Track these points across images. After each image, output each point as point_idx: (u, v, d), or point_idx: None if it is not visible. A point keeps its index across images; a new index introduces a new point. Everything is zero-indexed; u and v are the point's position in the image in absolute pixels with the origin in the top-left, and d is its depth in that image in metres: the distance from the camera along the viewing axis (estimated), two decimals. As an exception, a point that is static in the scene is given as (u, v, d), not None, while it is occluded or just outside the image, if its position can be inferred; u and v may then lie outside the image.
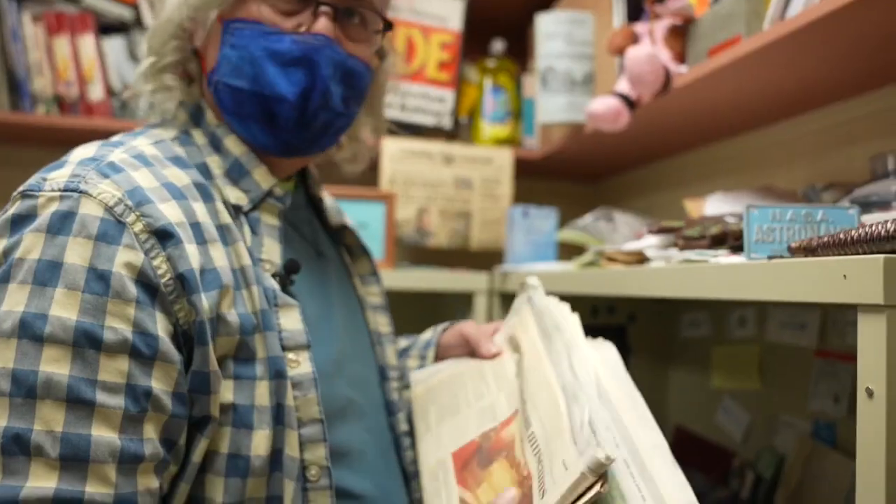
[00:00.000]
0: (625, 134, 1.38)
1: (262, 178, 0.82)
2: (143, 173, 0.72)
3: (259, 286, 0.75)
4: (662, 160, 1.76)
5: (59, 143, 1.75)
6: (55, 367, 0.62)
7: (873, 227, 0.62)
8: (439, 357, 1.04)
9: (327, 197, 1.02)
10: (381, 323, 1.00)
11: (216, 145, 0.83)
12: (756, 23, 1.04)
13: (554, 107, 1.51)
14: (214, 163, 0.81)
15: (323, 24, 0.80)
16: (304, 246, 0.89)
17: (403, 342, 1.11)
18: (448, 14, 1.87)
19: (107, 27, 1.76)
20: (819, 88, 1.17)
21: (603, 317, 1.58)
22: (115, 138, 0.80)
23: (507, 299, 1.54)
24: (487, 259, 1.82)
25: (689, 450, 1.56)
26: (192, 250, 0.70)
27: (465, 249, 1.77)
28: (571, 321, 0.89)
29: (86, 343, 0.63)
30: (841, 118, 1.25)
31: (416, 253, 1.87)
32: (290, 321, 0.76)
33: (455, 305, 1.70)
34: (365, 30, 0.85)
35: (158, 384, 0.66)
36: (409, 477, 0.93)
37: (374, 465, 0.85)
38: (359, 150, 0.99)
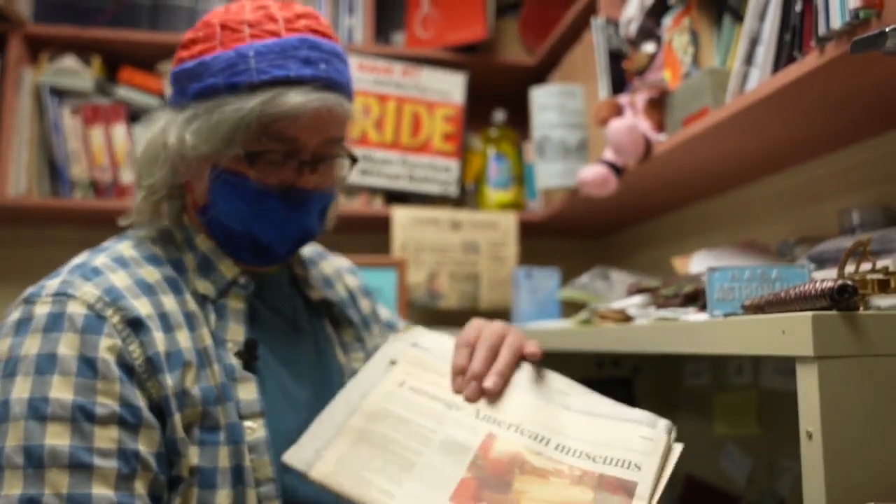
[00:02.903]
0: (616, 197, 1.47)
1: (227, 269, 0.93)
2: (120, 275, 0.86)
3: (220, 364, 0.86)
4: (656, 218, 1.85)
5: (95, 223, 1.89)
6: (58, 439, 0.75)
7: (807, 287, 0.70)
8: None
9: (322, 269, 1.12)
10: None
11: (189, 243, 0.94)
12: (721, 95, 1.13)
13: (551, 173, 1.61)
14: (188, 258, 0.93)
15: (307, 179, 0.91)
16: (279, 323, 0.98)
17: None
18: (450, 88, 2.00)
19: (136, 114, 1.91)
20: (786, 150, 1.26)
21: (608, 370, 1.65)
22: (104, 243, 0.94)
23: (514, 356, 1.61)
24: (496, 318, 1.90)
25: (699, 498, 1.60)
26: (159, 337, 0.83)
27: (475, 309, 1.85)
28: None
29: (81, 417, 0.76)
30: (812, 175, 1.33)
31: (428, 315, 1.96)
32: (247, 393, 0.87)
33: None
34: (335, 161, 0.97)
35: (144, 447, 0.79)
36: None
37: None
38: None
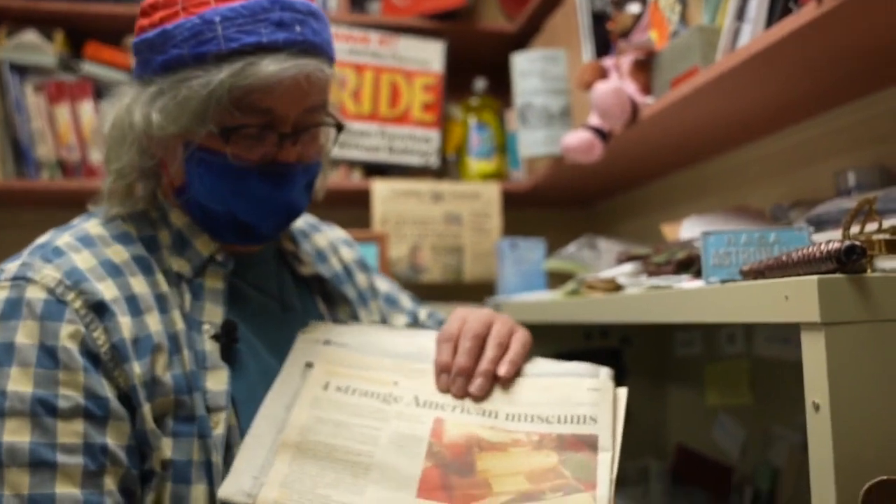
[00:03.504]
0: (602, 163, 1.42)
1: (203, 245, 0.87)
2: (84, 255, 0.80)
3: (191, 350, 0.81)
4: (644, 185, 1.81)
5: (63, 204, 1.82)
6: (16, 436, 0.70)
7: (811, 249, 0.66)
8: None
9: (314, 242, 1.06)
10: None
11: (164, 219, 0.88)
12: (711, 54, 1.09)
13: (534, 141, 1.56)
14: (163, 235, 0.87)
15: (288, 152, 0.84)
16: (265, 302, 0.92)
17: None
18: (429, 57, 1.94)
19: (104, 91, 1.83)
20: (778, 110, 1.22)
21: (597, 341, 1.61)
22: (73, 221, 0.88)
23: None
24: (481, 291, 1.86)
25: (690, 468, 1.58)
26: (125, 322, 0.77)
27: (459, 283, 1.81)
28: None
29: (42, 411, 0.71)
30: (805, 136, 1.29)
31: (411, 289, 1.90)
32: (216, 383, 0.81)
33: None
34: (318, 130, 0.90)
35: (113, 440, 0.74)
36: None
37: None
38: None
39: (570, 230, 2.01)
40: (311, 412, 0.81)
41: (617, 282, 1.02)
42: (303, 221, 1.08)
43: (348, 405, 0.81)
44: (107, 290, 0.78)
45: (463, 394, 0.82)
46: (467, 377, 0.83)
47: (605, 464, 0.74)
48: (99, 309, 0.76)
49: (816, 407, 0.63)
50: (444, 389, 0.83)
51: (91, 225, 0.85)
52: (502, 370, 0.83)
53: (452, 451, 0.77)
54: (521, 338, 0.87)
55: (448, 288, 1.89)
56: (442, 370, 0.84)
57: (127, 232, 0.85)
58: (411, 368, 0.85)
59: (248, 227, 0.87)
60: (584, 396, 0.80)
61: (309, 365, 0.86)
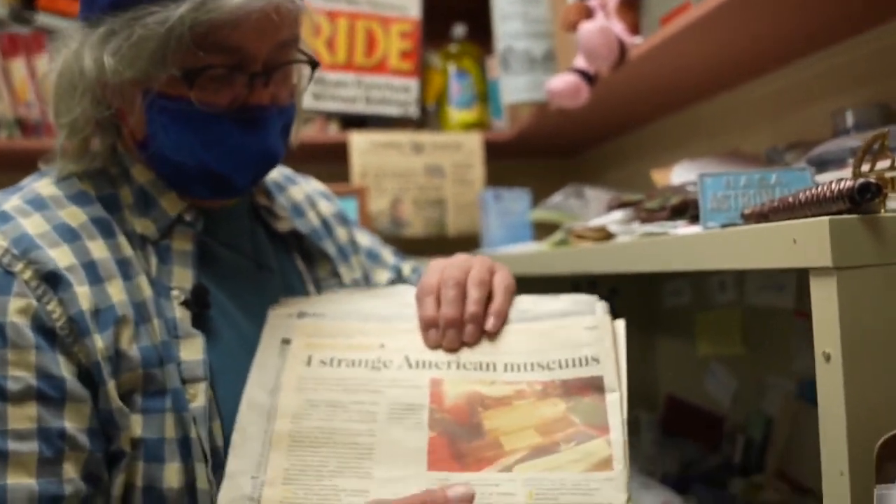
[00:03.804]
0: (589, 108, 1.36)
1: (170, 204, 0.80)
2: (34, 219, 0.73)
3: (160, 318, 0.74)
4: (632, 131, 1.75)
5: (24, 165, 1.73)
6: None
7: (820, 189, 0.61)
8: None
9: (290, 195, 0.99)
10: None
11: (126, 176, 0.81)
12: (704, -13, 1.02)
13: (516, 87, 1.50)
14: (125, 193, 0.80)
15: (260, 94, 0.77)
16: (238, 263, 0.86)
17: None
18: (405, 3, 1.86)
19: (62, 44, 1.74)
20: (774, 48, 1.16)
21: (585, 292, 1.58)
22: (23, 181, 0.80)
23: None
24: (465, 244, 1.81)
25: (681, 418, 1.56)
26: (83, 291, 0.70)
27: (443, 236, 1.76)
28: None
29: None
30: (800, 76, 1.24)
31: (393, 244, 1.84)
32: (190, 352, 0.75)
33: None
34: (291, 68, 0.82)
35: (72, 423, 0.67)
36: None
37: None
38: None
39: (554, 181, 1.96)
40: (300, 395, 0.75)
41: (608, 230, 0.98)
42: (277, 173, 1.01)
43: (337, 380, 0.75)
44: (61, 258, 0.71)
45: (456, 346, 0.78)
46: (458, 328, 0.78)
47: (615, 405, 0.72)
48: (52, 279, 0.69)
49: (827, 357, 0.59)
50: (435, 345, 0.78)
51: (42, 185, 0.78)
52: (489, 324, 0.78)
53: (456, 415, 0.73)
54: (503, 281, 0.82)
55: (431, 242, 1.84)
56: (429, 325, 0.78)
57: (84, 191, 0.78)
58: (396, 329, 0.80)
59: (222, 180, 0.79)
60: (583, 336, 0.76)
61: (286, 341, 0.79)
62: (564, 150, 2.01)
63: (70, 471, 0.66)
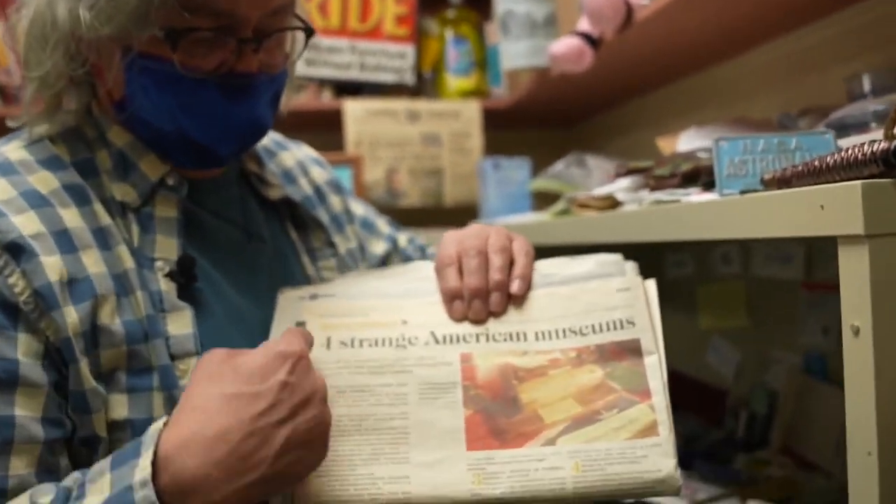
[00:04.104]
0: (592, 74, 1.32)
1: (151, 168, 0.74)
2: (0, 185, 0.67)
3: (144, 291, 0.69)
4: (635, 99, 1.71)
5: (3, 133, 1.69)
6: None
7: (850, 152, 0.57)
8: None
9: (281, 161, 0.94)
10: None
11: (103, 138, 0.75)
12: (717, -57, 0.98)
13: (517, 52, 1.46)
14: (103, 157, 0.74)
15: (249, 61, 0.71)
16: (227, 232, 0.81)
17: None
18: (401, -36, 1.80)
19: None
20: (786, 11, 1.12)
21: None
22: None
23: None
24: (462, 215, 1.77)
25: (682, 392, 1.53)
26: (51, 262, 0.64)
27: (440, 207, 1.72)
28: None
29: None
30: (813, 40, 1.19)
31: (388, 215, 1.80)
32: (179, 326, 0.70)
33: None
34: (284, 35, 0.77)
35: (23, 411, 0.61)
36: None
37: None
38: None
39: (554, 151, 1.91)
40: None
41: (615, 198, 0.94)
42: (267, 139, 0.96)
43: (360, 362, 0.71)
44: (27, 225, 0.64)
45: (483, 317, 0.74)
46: (483, 298, 0.74)
47: (654, 368, 0.69)
48: (14, 249, 0.63)
49: (856, 331, 0.55)
50: (461, 317, 0.74)
51: (11, 148, 0.72)
52: (515, 287, 0.75)
53: (491, 390, 0.70)
54: (522, 247, 0.78)
55: (428, 212, 1.79)
56: (453, 296, 0.75)
57: (56, 156, 0.72)
58: (417, 304, 0.76)
59: (203, 149, 0.74)
60: (615, 299, 0.74)
61: (300, 324, 0.75)
62: (565, 119, 1.96)
63: (18, 465, 0.60)
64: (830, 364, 1.17)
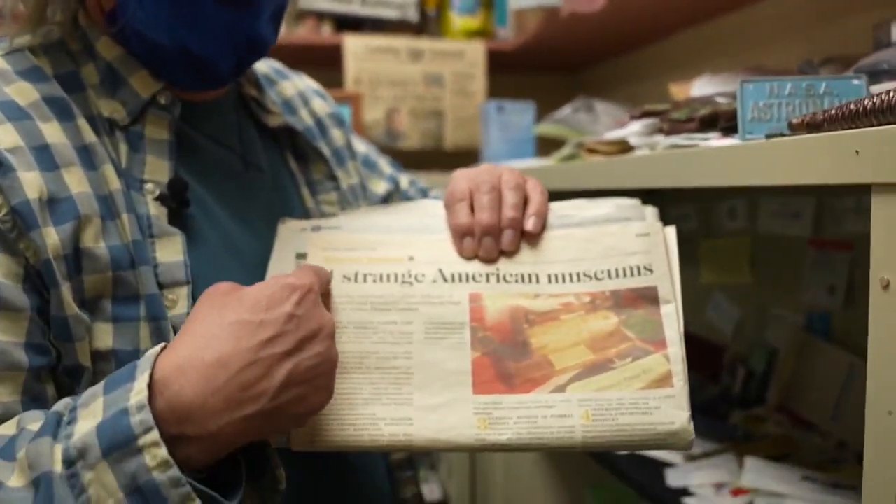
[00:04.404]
0: (603, 17, 1.27)
1: (142, 84, 0.69)
2: None
3: (131, 213, 0.64)
4: (644, 45, 1.66)
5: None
6: None
7: (891, 95, 0.53)
8: None
9: (281, 90, 0.90)
10: None
11: (90, 51, 0.70)
12: None
13: (526, -10, 1.40)
14: (89, 71, 0.69)
15: None
16: (223, 157, 0.76)
17: None
18: None
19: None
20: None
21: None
22: None
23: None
24: (463, 159, 1.73)
25: (678, 347, 1.52)
26: (30, 178, 0.59)
27: (440, 150, 1.68)
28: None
29: None
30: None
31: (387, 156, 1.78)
32: (168, 253, 0.65)
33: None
34: None
35: (5, 336, 0.57)
36: None
37: None
38: None
39: (557, 97, 1.86)
40: None
41: (628, 142, 0.90)
42: (266, 67, 0.91)
43: (364, 298, 0.68)
44: (3, 138, 0.59)
45: (494, 255, 0.70)
46: (495, 235, 0.70)
47: (671, 317, 0.67)
48: None
49: (885, 284, 0.52)
50: (471, 255, 0.71)
51: None
52: (529, 224, 0.71)
53: (499, 333, 0.67)
54: (536, 186, 0.75)
55: (427, 155, 1.75)
56: (464, 232, 0.71)
57: (38, 67, 0.66)
58: (424, 240, 0.72)
59: (202, 64, 0.69)
60: (634, 244, 0.70)
61: (301, 256, 0.71)
62: (572, 64, 1.91)
63: (2, 392, 0.56)
64: (835, 324, 1.15)
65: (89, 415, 0.52)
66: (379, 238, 0.72)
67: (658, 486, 1.03)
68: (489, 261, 0.70)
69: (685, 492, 1.01)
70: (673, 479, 1.04)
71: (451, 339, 0.66)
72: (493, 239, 0.70)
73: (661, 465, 1.09)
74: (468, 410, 0.63)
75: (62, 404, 0.55)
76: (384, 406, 0.64)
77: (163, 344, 0.56)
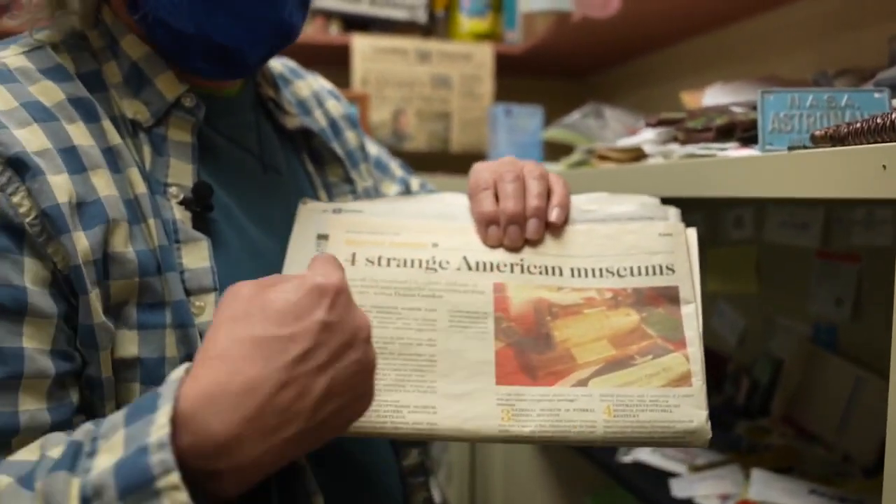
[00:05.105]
0: (614, 22, 1.26)
1: (167, 86, 0.67)
2: None
3: (157, 218, 0.63)
4: (655, 52, 1.65)
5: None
6: None
7: (918, 109, 0.53)
8: None
9: (296, 90, 0.88)
10: None
11: (113, 49, 0.68)
12: None
13: (537, -6, 1.39)
14: (111, 70, 0.67)
15: None
16: (243, 160, 0.75)
17: None
18: None
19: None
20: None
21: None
22: None
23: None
24: (469, 161, 1.71)
25: (680, 355, 1.51)
26: (59, 182, 0.57)
27: (446, 152, 1.67)
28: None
29: None
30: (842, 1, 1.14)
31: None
32: (195, 259, 0.64)
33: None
34: None
35: (32, 343, 0.55)
36: None
37: None
38: None
39: (565, 102, 1.86)
40: None
41: (642, 150, 0.89)
42: (282, 65, 0.90)
43: (387, 282, 0.67)
44: (31, 140, 0.57)
45: (518, 244, 0.70)
46: (520, 223, 0.69)
47: (691, 317, 0.67)
48: (18, 165, 0.56)
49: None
50: (496, 244, 0.70)
51: (9, 54, 0.64)
52: (553, 214, 0.70)
53: (523, 324, 0.66)
54: (559, 178, 0.74)
55: (433, 157, 1.74)
56: (489, 221, 0.70)
57: (60, 65, 0.64)
58: (448, 227, 0.71)
59: (229, 53, 0.67)
60: (657, 243, 0.70)
61: (322, 237, 0.70)
62: (580, 69, 1.90)
63: (28, 400, 0.54)
64: (841, 336, 1.15)
65: (109, 449, 0.48)
66: (402, 223, 0.71)
67: (663, 497, 1.03)
68: (513, 250, 0.70)
69: (690, 503, 1.00)
70: (678, 489, 1.04)
71: (475, 328, 0.66)
72: (518, 228, 0.69)
73: (666, 476, 1.08)
74: (492, 401, 0.63)
75: (83, 432, 0.52)
76: (408, 393, 0.63)
77: (186, 365, 0.52)
